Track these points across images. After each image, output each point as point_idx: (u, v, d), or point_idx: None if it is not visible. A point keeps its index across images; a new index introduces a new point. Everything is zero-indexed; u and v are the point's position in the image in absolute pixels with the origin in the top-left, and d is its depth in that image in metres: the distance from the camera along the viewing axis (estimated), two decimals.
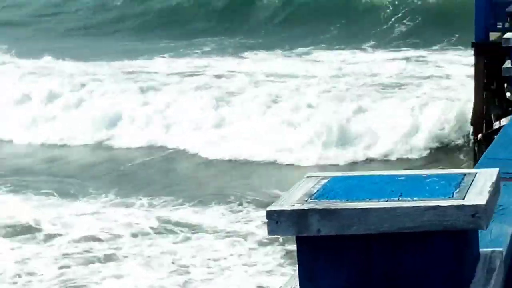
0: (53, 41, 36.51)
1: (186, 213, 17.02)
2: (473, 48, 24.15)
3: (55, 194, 18.14)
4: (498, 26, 24.78)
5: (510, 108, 25.95)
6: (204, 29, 37.37)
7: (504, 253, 3.33)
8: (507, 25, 25.14)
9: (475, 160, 23.93)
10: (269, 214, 2.99)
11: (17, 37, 37.42)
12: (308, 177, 3.35)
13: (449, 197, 2.96)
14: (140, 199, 17.64)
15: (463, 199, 2.94)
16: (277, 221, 2.98)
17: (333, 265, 2.99)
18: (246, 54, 31.78)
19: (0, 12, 43.64)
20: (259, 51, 31.96)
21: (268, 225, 3.00)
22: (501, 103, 25.93)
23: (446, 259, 2.93)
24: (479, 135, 24.18)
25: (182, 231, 15.67)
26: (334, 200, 3.03)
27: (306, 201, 3.04)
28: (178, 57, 31.53)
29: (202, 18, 38.81)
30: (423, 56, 31.78)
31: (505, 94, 26.62)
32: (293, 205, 3.01)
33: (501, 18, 25.16)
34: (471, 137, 25.10)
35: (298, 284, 3.05)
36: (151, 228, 15.51)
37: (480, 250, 3.25)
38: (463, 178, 3.15)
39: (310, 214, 2.95)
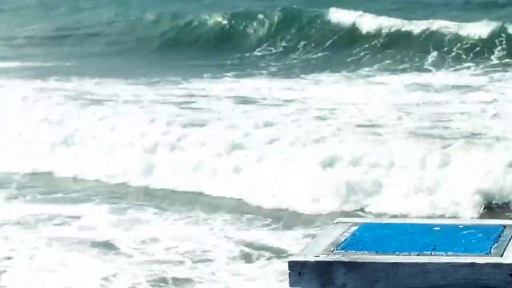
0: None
1: None
2: None
3: None
4: None
5: None
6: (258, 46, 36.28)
7: None
8: None
9: None
10: (292, 265, 2.75)
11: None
12: (337, 222, 3.10)
13: (486, 253, 2.69)
14: None
15: (501, 256, 2.67)
16: (300, 272, 2.74)
17: None
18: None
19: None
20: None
21: (289, 276, 2.76)
22: None
23: None
24: None
25: None
26: (362, 251, 2.77)
27: (332, 251, 2.79)
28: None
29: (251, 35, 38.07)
30: None
31: None
32: (318, 256, 2.76)
33: None
34: None
35: None
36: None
37: None
38: (502, 231, 2.88)
39: (335, 267, 2.71)
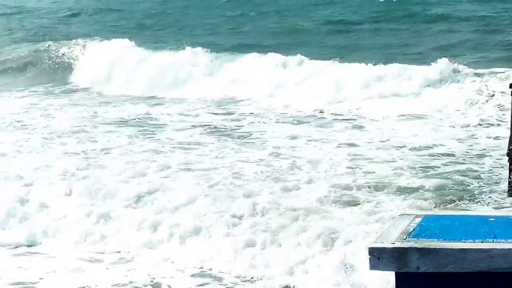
0: None
1: None
2: (511, 89, 23.80)
3: None
4: None
5: None
6: None
7: None
8: None
9: (510, 187, 23.58)
10: (371, 251, 2.94)
11: None
12: (401, 214, 3.29)
13: None
14: None
15: None
16: (379, 257, 2.93)
17: None
18: None
19: None
20: None
21: (370, 261, 2.95)
22: None
23: None
24: None
25: None
26: (431, 239, 2.97)
27: (405, 239, 2.99)
28: None
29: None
30: None
31: None
32: (394, 243, 2.95)
33: None
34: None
35: None
36: None
37: None
38: None
39: (410, 252, 2.90)
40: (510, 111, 24.20)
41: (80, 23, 38.86)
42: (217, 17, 41.56)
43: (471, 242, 2.90)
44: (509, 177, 24.11)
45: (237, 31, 38.54)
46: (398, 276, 2.95)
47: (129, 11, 45.87)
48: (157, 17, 42.88)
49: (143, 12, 43.86)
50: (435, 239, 2.96)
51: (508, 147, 24.53)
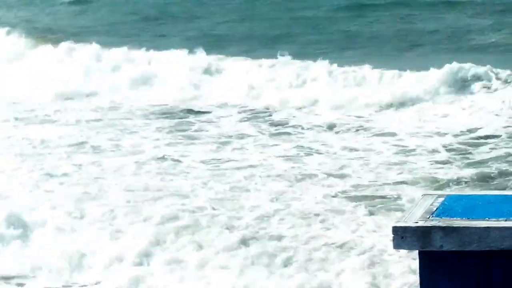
0: None
1: None
2: None
3: None
4: None
5: None
6: None
7: None
8: None
9: None
10: (395, 230, 2.88)
11: None
12: (424, 195, 3.22)
13: None
14: None
15: None
16: (402, 236, 2.87)
17: (454, 278, 2.86)
18: None
19: None
20: None
21: (393, 240, 2.89)
22: None
23: None
24: None
25: None
26: (455, 218, 2.90)
27: (428, 218, 2.92)
28: None
29: None
30: None
31: None
32: (417, 222, 2.89)
33: None
34: None
35: None
36: None
37: None
38: None
39: (434, 231, 2.84)
40: None
41: None
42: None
43: (494, 221, 2.83)
44: None
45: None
46: (421, 255, 2.89)
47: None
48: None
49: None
50: (458, 218, 2.89)
51: None
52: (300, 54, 28.20)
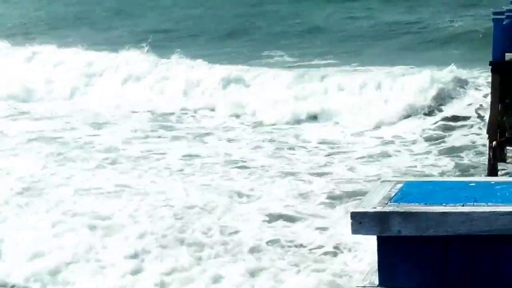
0: None
1: None
2: (490, 67, 23.85)
3: None
4: None
5: None
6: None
7: None
8: None
9: (489, 163, 23.66)
10: (353, 216, 2.84)
11: None
12: (382, 181, 3.18)
13: None
14: None
15: None
16: (360, 221, 2.83)
17: (411, 263, 2.83)
18: None
19: None
20: None
21: (351, 225, 2.85)
22: None
23: None
24: (494, 143, 23.87)
25: None
26: (413, 203, 2.86)
27: (387, 204, 2.89)
28: None
29: None
30: None
31: None
32: (375, 208, 2.85)
33: None
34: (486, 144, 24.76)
35: (378, 279, 2.88)
36: None
37: None
38: None
39: (391, 216, 2.80)
40: (490, 90, 23.88)
41: None
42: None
43: (452, 206, 2.79)
44: (489, 156, 23.93)
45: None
46: (379, 240, 2.85)
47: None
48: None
49: None
50: (416, 203, 2.85)
51: (488, 126, 24.30)
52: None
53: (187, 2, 47.56)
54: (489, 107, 25.16)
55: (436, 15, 40.66)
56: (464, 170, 19.58)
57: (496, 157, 23.77)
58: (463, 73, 29.85)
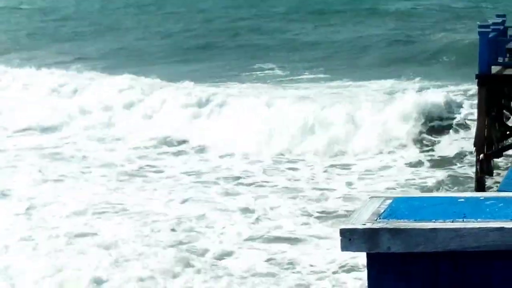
0: None
1: None
2: (477, 80, 23.81)
3: None
4: (499, 61, 24.50)
5: (508, 132, 25.62)
6: None
7: None
8: (507, 59, 24.90)
9: (477, 176, 23.62)
10: (342, 232, 2.80)
11: None
12: (371, 197, 3.15)
13: (511, 219, 2.75)
14: None
15: None
16: (350, 238, 2.79)
17: (401, 279, 2.79)
18: None
19: None
20: None
21: (341, 242, 2.81)
22: (500, 128, 25.67)
23: (509, 275, 2.72)
24: (481, 155, 23.84)
25: None
26: (402, 220, 2.83)
27: (376, 220, 2.85)
28: None
29: None
30: None
31: (503, 119, 26.30)
32: (365, 224, 2.81)
33: (502, 54, 24.93)
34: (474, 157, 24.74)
35: None
36: None
37: None
38: None
39: (381, 233, 2.76)
40: (477, 104, 23.88)
41: None
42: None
43: (441, 222, 2.76)
44: (476, 170, 23.86)
45: None
46: (369, 257, 2.82)
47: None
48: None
49: None
50: (405, 220, 2.82)
51: (475, 139, 24.31)
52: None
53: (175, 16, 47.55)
54: (475, 120, 25.21)
55: (425, 29, 40.83)
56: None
57: (483, 170, 23.77)
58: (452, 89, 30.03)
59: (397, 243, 2.75)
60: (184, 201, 17.74)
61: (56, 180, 18.96)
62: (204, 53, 38.00)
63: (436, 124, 26.85)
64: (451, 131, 26.52)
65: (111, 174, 19.77)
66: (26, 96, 28.03)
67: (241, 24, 44.01)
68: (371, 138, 24.82)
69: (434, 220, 2.79)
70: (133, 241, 14.30)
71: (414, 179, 22.03)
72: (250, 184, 19.67)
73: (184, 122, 25.36)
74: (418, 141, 25.58)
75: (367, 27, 43.02)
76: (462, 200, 3.00)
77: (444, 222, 2.76)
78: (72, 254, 13.35)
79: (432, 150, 25.33)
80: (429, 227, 2.72)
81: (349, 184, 20.41)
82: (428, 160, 24.12)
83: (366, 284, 2.86)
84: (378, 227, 2.76)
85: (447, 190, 21.61)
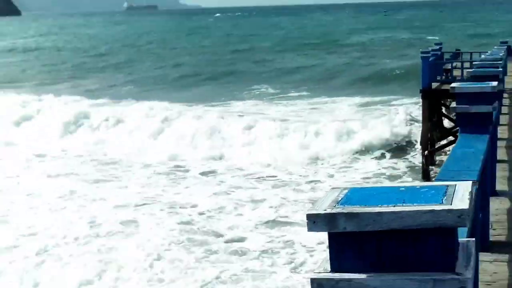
0: None
1: None
2: (420, 94, 24.01)
3: None
4: (437, 78, 24.76)
5: (445, 134, 25.79)
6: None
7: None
8: (444, 77, 25.24)
9: (423, 168, 23.69)
10: (308, 217, 2.74)
11: None
12: (333, 188, 3.08)
13: (440, 203, 2.69)
14: None
15: (451, 204, 2.67)
16: (314, 221, 2.73)
17: (355, 253, 2.72)
18: None
19: None
20: None
21: (307, 224, 2.75)
22: (439, 130, 25.98)
23: (438, 248, 2.66)
24: (426, 152, 23.94)
25: None
26: (355, 205, 2.77)
27: (335, 206, 2.78)
28: None
29: None
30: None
31: (442, 123, 26.43)
32: (326, 210, 2.75)
33: (439, 73, 25.19)
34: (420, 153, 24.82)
35: (329, 267, 2.78)
36: None
37: (459, 239, 2.96)
38: (447, 188, 2.88)
39: (338, 216, 2.70)
40: (421, 110, 23.89)
41: None
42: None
43: (385, 207, 2.70)
44: (422, 163, 23.94)
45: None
46: (330, 236, 2.75)
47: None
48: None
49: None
50: (358, 205, 2.76)
51: (420, 139, 24.39)
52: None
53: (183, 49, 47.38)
54: (420, 125, 25.30)
55: (381, 56, 40.81)
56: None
57: (428, 163, 23.85)
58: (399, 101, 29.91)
59: (351, 224, 2.69)
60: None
61: None
62: (210, 80, 38.04)
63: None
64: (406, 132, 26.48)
65: None
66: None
67: (237, 56, 44.08)
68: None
69: (380, 205, 2.72)
70: None
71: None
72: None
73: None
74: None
75: (336, 56, 43.04)
76: (403, 189, 2.93)
77: (388, 206, 2.70)
78: None
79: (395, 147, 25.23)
80: (375, 211, 2.66)
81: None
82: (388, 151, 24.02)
83: (328, 257, 2.78)
84: (336, 211, 2.70)
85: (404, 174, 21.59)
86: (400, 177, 20.84)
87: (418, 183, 2.98)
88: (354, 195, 2.90)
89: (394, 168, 22.01)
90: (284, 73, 38.56)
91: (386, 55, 42.58)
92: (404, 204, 2.70)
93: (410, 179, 20.43)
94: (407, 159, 24.45)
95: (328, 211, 2.72)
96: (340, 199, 2.87)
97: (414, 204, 2.69)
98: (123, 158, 21.11)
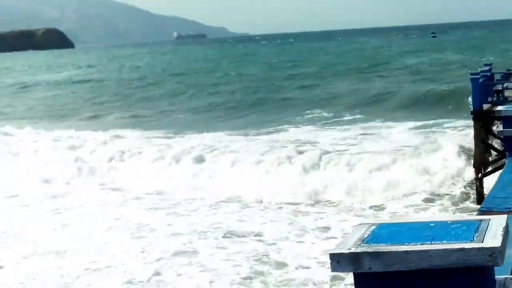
0: None
1: None
2: (472, 116, 23.49)
3: None
4: (489, 100, 24.20)
5: (497, 155, 25.13)
6: None
7: None
8: (495, 98, 24.63)
9: (477, 189, 23.08)
10: (332, 256, 2.62)
11: None
12: (360, 224, 2.96)
13: (471, 241, 2.54)
14: None
15: (482, 242, 2.52)
16: (338, 261, 2.61)
17: None
18: None
19: None
20: None
21: (331, 264, 2.62)
22: (493, 152, 25.32)
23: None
24: (480, 174, 23.33)
25: None
26: (381, 244, 2.64)
27: (360, 245, 2.66)
28: None
29: None
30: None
31: (495, 146, 25.76)
32: (350, 249, 2.62)
33: (490, 94, 24.64)
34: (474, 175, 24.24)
35: None
36: None
37: (496, 277, 2.80)
38: (480, 224, 2.72)
39: (363, 256, 2.57)
40: (473, 131, 23.19)
41: None
42: None
43: (413, 245, 2.56)
44: (476, 186, 23.25)
45: None
46: (355, 276, 2.62)
47: None
48: None
49: None
50: (383, 244, 2.62)
51: (474, 162, 23.64)
52: None
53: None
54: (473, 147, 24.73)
55: (434, 79, 40.37)
56: None
57: (482, 185, 23.22)
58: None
59: (376, 263, 2.55)
60: None
61: None
62: (261, 106, 38.00)
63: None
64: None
65: None
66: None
67: (286, 84, 44.06)
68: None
69: (407, 243, 2.58)
70: None
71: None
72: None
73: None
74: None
75: (385, 79, 42.65)
76: (433, 224, 2.79)
77: (416, 244, 2.56)
78: None
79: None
80: (402, 250, 2.52)
81: None
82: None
83: None
84: (360, 251, 2.57)
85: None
86: (456, 204, 20.14)
87: (449, 218, 2.83)
88: (381, 231, 2.78)
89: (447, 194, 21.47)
90: (335, 96, 38.31)
91: (436, 77, 42.04)
92: (432, 242, 2.57)
93: (463, 204, 19.90)
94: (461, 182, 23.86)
95: (353, 250, 2.60)
96: (366, 236, 2.75)
97: (443, 241, 2.56)
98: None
